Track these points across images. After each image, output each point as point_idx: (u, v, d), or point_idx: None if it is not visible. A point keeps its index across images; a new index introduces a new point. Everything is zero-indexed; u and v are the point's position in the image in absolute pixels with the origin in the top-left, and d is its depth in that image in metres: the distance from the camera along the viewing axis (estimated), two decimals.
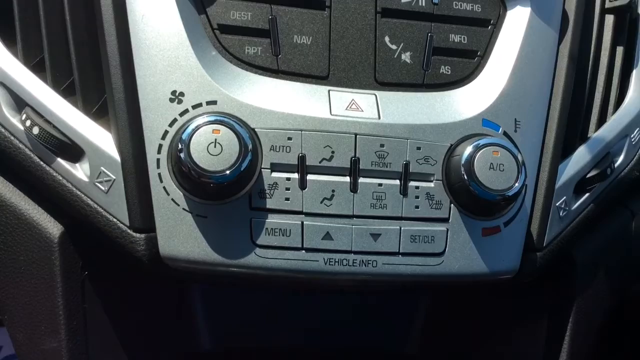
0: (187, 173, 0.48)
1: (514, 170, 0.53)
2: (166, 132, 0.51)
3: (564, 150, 0.60)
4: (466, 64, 0.57)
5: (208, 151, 0.48)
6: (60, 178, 0.53)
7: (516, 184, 0.53)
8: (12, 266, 0.55)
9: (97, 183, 0.52)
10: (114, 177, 0.52)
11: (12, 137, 0.54)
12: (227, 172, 0.48)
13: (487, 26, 0.59)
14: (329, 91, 0.54)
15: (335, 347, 0.68)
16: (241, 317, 0.66)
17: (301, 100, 0.53)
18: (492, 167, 0.52)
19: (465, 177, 0.52)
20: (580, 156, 0.61)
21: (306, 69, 0.54)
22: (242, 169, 0.49)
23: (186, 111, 0.51)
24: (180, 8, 0.52)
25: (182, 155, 0.48)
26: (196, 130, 0.48)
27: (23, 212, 0.55)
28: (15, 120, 0.54)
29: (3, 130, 0.54)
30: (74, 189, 0.52)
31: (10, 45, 0.55)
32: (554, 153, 0.58)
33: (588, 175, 0.61)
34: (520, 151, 0.54)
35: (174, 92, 0.51)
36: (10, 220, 0.55)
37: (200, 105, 0.51)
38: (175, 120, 0.51)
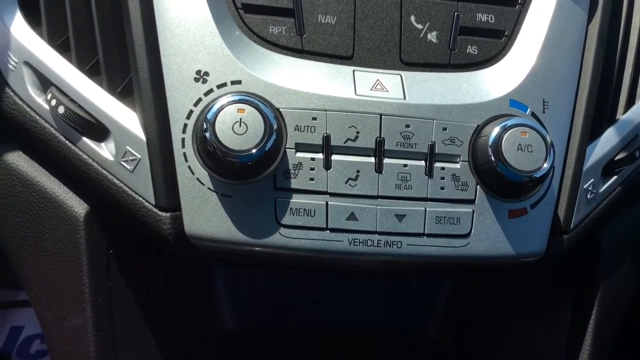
0: (212, 152, 0.48)
1: (542, 151, 0.52)
2: (191, 111, 0.51)
3: (592, 132, 0.59)
4: (493, 43, 0.56)
5: (233, 130, 0.48)
6: (86, 157, 0.53)
7: (544, 165, 0.52)
8: (38, 245, 0.56)
9: (122, 162, 0.52)
10: (139, 157, 0.52)
11: (38, 117, 0.54)
12: (253, 151, 0.48)
13: (514, 5, 0.58)
14: (353, 71, 0.54)
15: (356, 330, 0.68)
16: (264, 298, 0.66)
17: (326, 80, 0.53)
18: (520, 148, 0.52)
19: (493, 158, 0.51)
20: (609, 138, 0.60)
21: (331, 48, 0.54)
22: (267, 149, 0.48)
23: (211, 91, 0.51)
24: None
25: (207, 134, 0.48)
26: (221, 110, 0.48)
27: (49, 191, 0.56)
28: (40, 100, 0.54)
29: (29, 109, 0.54)
30: (100, 168, 0.52)
31: (35, 25, 0.55)
32: (582, 134, 0.57)
33: (616, 158, 0.60)
34: (549, 132, 0.53)
35: (198, 72, 0.51)
36: (36, 199, 0.55)
37: (224, 84, 0.51)
38: (200, 99, 0.51)
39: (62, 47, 0.54)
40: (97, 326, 0.54)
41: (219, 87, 0.51)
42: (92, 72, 0.54)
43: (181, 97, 0.51)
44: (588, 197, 0.58)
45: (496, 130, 0.52)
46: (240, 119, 0.48)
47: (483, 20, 0.56)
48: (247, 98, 0.49)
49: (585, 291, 0.62)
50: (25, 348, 1.09)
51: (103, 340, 0.54)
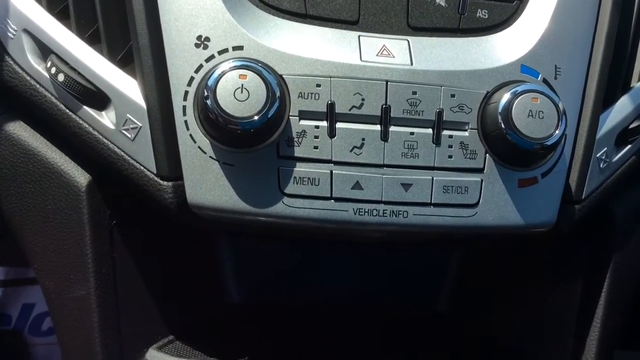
0: (213, 120, 0.47)
1: (554, 118, 0.50)
2: (192, 78, 0.50)
3: (606, 99, 0.57)
4: (504, 7, 0.54)
5: (235, 97, 0.47)
6: (87, 126, 0.52)
7: (556, 132, 0.50)
8: (40, 215, 0.55)
9: (123, 131, 0.51)
10: (140, 125, 0.51)
11: (38, 85, 0.53)
12: (255, 118, 0.47)
13: None
14: (359, 36, 0.52)
15: (364, 304, 0.67)
16: (270, 270, 0.66)
17: (330, 45, 0.51)
18: (531, 114, 0.50)
19: (503, 125, 0.50)
20: (623, 106, 0.58)
21: (335, 13, 0.52)
22: (269, 116, 0.47)
23: (212, 57, 0.49)
24: None
25: (208, 101, 0.47)
26: (222, 76, 0.47)
27: (50, 161, 0.55)
28: (40, 68, 0.53)
29: (28, 78, 0.53)
30: (101, 136, 0.52)
31: None
32: (595, 102, 0.55)
33: (630, 126, 0.58)
34: (561, 99, 0.52)
35: (199, 37, 0.50)
36: (37, 169, 0.55)
37: (226, 50, 0.50)
38: (201, 66, 0.49)
39: (61, 15, 0.53)
40: (101, 297, 0.54)
41: (220, 53, 0.50)
42: (92, 39, 0.53)
43: (182, 64, 0.50)
44: (601, 166, 0.57)
45: (506, 97, 0.50)
46: (242, 85, 0.47)
47: None
48: (249, 64, 0.48)
49: (597, 263, 0.61)
50: (37, 325, 1.10)
51: (107, 311, 0.54)
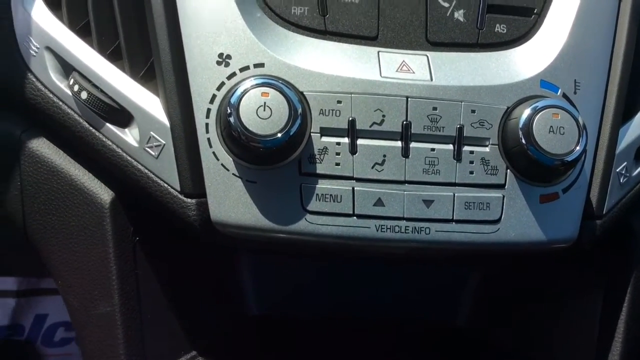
0: (236, 137, 0.47)
1: (574, 134, 0.50)
2: (214, 96, 0.50)
3: (625, 113, 0.57)
4: (522, 22, 0.55)
5: (257, 115, 0.47)
6: (110, 143, 0.53)
7: (577, 148, 0.50)
8: (64, 231, 0.56)
9: (147, 148, 0.51)
10: (163, 142, 0.51)
11: (61, 103, 0.54)
12: (278, 135, 0.47)
13: None
14: (378, 52, 0.52)
15: (384, 317, 0.67)
16: (290, 284, 0.66)
17: (350, 62, 0.52)
18: (551, 130, 0.50)
19: (524, 140, 0.50)
20: None
21: (355, 29, 0.53)
22: (291, 133, 0.48)
23: (234, 74, 0.50)
24: None
25: (231, 119, 0.47)
26: (245, 94, 0.47)
27: (74, 179, 0.55)
28: (63, 86, 0.54)
29: (51, 95, 0.54)
30: (124, 154, 0.52)
31: (55, 9, 0.54)
32: (614, 116, 0.55)
33: None
34: (580, 114, 0.52)
35: (220, 55, 0.50)
36: (61, 186, 0.55)
37: (247, 68, 0.50)
38: (222, 83, 0.50)
39: (82, 32, 0.54)
40: (125, 313, 0.54)
41: (241, 70, 0.50)
42: (114, 56, 0.53)
43: (204, 81, 0.50)
44: (621, 181, 0.57)
45: (527, 112, 0.50)
46: (265, 102, 0.47)
47: None
48: (270, 81, 0.48)
49: (617, 280, 0.61)
50: (49, 336, 1.11)
51: (131, 327, 0.55)
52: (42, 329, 1.10)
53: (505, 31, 0.54)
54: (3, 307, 1.09)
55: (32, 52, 0.54)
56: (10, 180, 0.56)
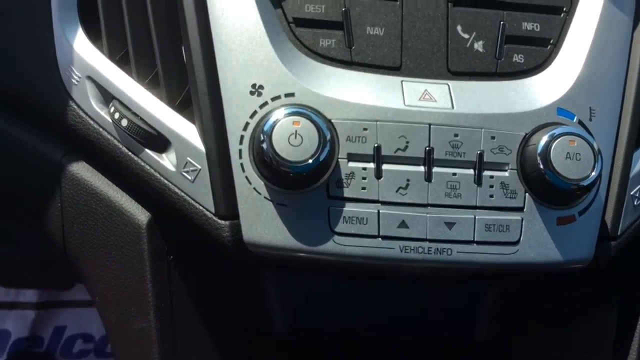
0: (268, 163, 0.50)
1: (590, 160, 0.53)
2: (247, 123, 0.53)
3: (638, 139, 0.59)
4: (539, 52, 0.57)
5: (289, 142, 0.50)
6: (148, 168, 0.55)
7: (593, 173, 0.52)
8: (103, 251, 0.58)
9: (183, 173, 0.54)
10: (199, 167, 0.54)
11: (101, 129, 0.57)
12: (310, 161, 0.50)
13: (560, 13, 0.58)
14: (401, 82, 0.55)
15: (403, 335, 0.69)
16: (316, 301, 0.68)
17: (375, 91, 0.54)
18: (568, 156, 0.52)
19: (542, 166, 0.52)
20: None
21: (379, 60, 0.55)
22: (321, 159, 0.50)
23: (265, 103, 0.53)
24: (258, 3, 0.54)
25: (264, 145, 0.50)
26: (277, 122, 0.50)
27: (113, 201, 0.58)
28: (103, 113, 0.57)
29: (92, 122, 0.57)
30: (162, 178, 0.55)
31: (96, 40, 0.57)
32: (628, 141, 0.58)
33: None
34: (596, 140, 0.54)
35: (254, 85, 0.53)
36: (100, 207, 0.58)
37: (279, 97, 0.53)
38: (255, 112, 0.53)
39: (122, 61, 0.57)
40: (160, 329, 0.56)
41: (273, 99, 0.53)
42: (151, 84, 0.56)
43: (237, 110, 0.53)
44: (635, 203, 0.59)
45: (544, 139, 0.53)
46: (296, 130, 0.50)
47: (529, 29, 0.57)
48: (301, 110, 0.51)
49: (631, 300, 0.62)
50: (68, 348, 1.13)
51: (165, 343, 0.57)
52: (61, 341, 1.12)
53: (522, 61, 0.57)
54: (23, 319, 1.11)
55: (73, 81, 0.57)
56: (51, 201, 0.59)
